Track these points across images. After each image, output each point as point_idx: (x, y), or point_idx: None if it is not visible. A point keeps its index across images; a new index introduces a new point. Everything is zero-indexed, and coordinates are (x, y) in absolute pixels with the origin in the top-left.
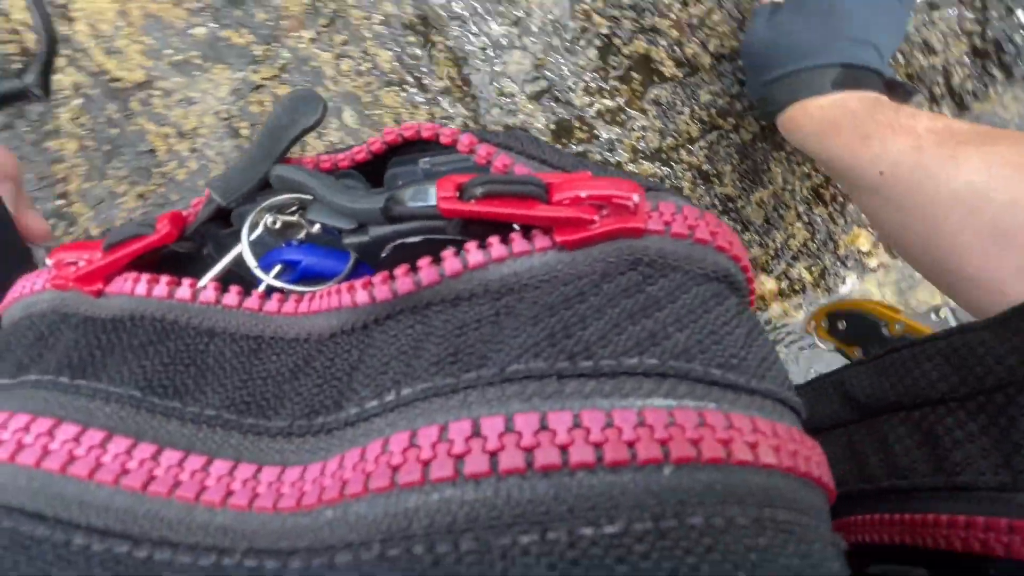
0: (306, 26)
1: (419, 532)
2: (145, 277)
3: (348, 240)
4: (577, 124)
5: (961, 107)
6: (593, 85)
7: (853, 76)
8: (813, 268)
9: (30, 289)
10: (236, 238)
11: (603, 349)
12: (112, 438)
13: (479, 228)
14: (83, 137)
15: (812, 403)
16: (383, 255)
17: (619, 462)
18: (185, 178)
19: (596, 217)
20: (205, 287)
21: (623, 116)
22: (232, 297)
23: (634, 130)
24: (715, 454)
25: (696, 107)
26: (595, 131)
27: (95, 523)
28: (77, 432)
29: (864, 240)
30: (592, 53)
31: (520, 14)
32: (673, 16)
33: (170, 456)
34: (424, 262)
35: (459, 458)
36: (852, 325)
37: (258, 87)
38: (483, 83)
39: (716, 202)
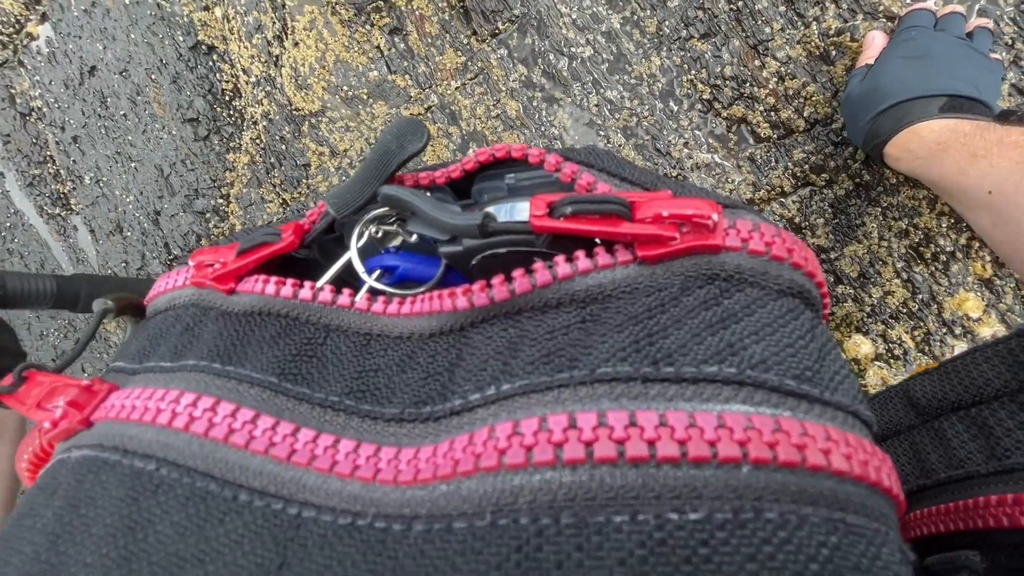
0: (455, 78)
1: (524, 507)
2: (273, 279)
3: (443, 249)
4: (675, 173)
5: None
6: (692, 141)
7: (960, 104)
8: (915, 331)
9: (172, 285)
10: (339, 244)
11: (684, 357)
12: (260, 416)
13: (566, 241)
14: (254, 153)
15: (879, 413)
16: (473, 263)
17: (701, 458)
18: (325, 190)
19: (677, 234)
20: (322, 288)
21: (718, 170)
22: (345, 298)
23: (728, 182)
24: (790, 457)
25: (790, 164)
26: (689, 181)
27: (254, 484)
28: (233, 409)
29: (973, 306)
30: (694, 115)
31: (634, 81)
32: (770, 87)
33: (306, 434)
34: (518, 273)
35: (558, 446)
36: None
37: (427, 146)
38: (593, 134)
39: None
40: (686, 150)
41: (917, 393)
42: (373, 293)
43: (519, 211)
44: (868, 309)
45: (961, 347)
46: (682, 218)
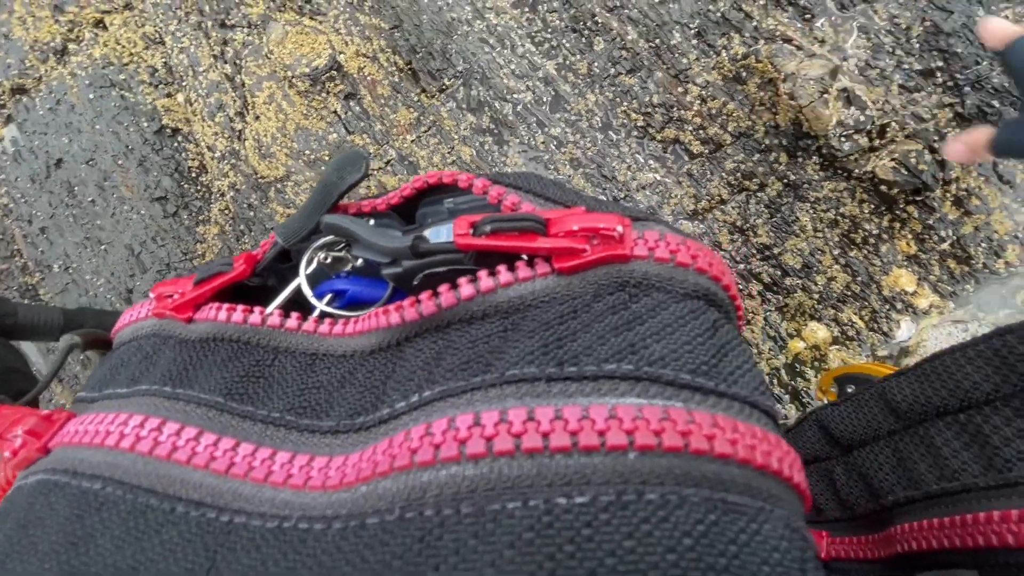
0: (410, 132)
1: (430, 500)
2: (225, 306)
3: (385, 271)
4: (623, 195)
5: None
6: (634, 165)
7: None
8: (863, 311)
9: (136, 317)
10: (294, 271)
11: (587, 357)
12: (203, 433)
13: (492, 258)
14: (223, 223)
15: (852, 417)
16: (415, 283)
17: (591, 447)
18: None
19: (587, 246)
20: (272, 313)
21: (661, 187)
22: (293, 321)
23: (672, 197)
24: (674, 443)
25: (723, 174)
26: (637, 201)
27: (192, 496)
28: (178, 428)
29: (907, 280)
30: (632, 141)
31: (574, 118)
32: (695, 109)
33: (245, 448)
34: (443, 288)
35: (463, 442)
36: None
37: (367, 175)
38: (543, 168)
39: (755, 251)
40: (630, 173)
41: (896, 397)
42: (325, 316)
43: (447, 232)
44: (817, 296)
45: (906, 321)
46: (591, 231)
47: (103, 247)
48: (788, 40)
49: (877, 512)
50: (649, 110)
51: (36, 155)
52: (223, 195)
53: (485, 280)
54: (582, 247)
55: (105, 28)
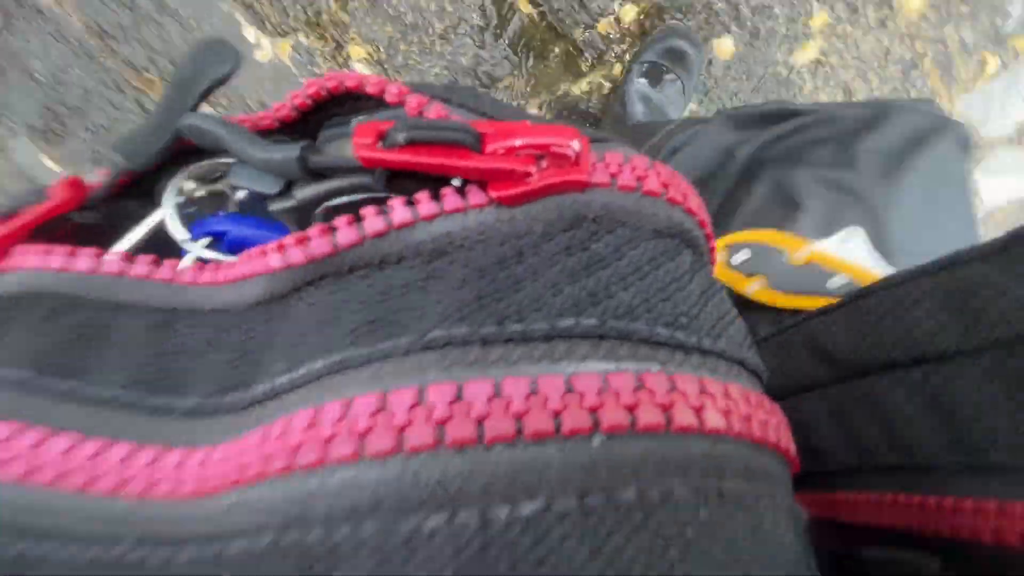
0: None
1: (319, 516)
2: (40, 248)
3: (274, 206)
4: None
5: None
6: None
7: None
8: None
9: None
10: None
11: (536, 312)
12: None
13: (410, 183)
14: None
15: (782, 360)
16: (314, 221)
17: (542, 433)
18: None
19: (533, 169)
20: (110, 256)
21: None
22: (140, 267)
23: None
24: (652, 420)
25: None
26: None
27: None
28: None
29: None
30: None
31: None
32: None
33: (58, 443)
34: (342, 221)
35: (363, 436)
36: (754, 254)
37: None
38: None
39: None
40: None
41: (827, 343)
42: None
43: (350, 147)
44: None
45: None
46: (538, 148)
47: None
48: None
49: (818, 474)
50: None
51: None
52: None
53: (400, 211)
54: (527, 169)
55: None
